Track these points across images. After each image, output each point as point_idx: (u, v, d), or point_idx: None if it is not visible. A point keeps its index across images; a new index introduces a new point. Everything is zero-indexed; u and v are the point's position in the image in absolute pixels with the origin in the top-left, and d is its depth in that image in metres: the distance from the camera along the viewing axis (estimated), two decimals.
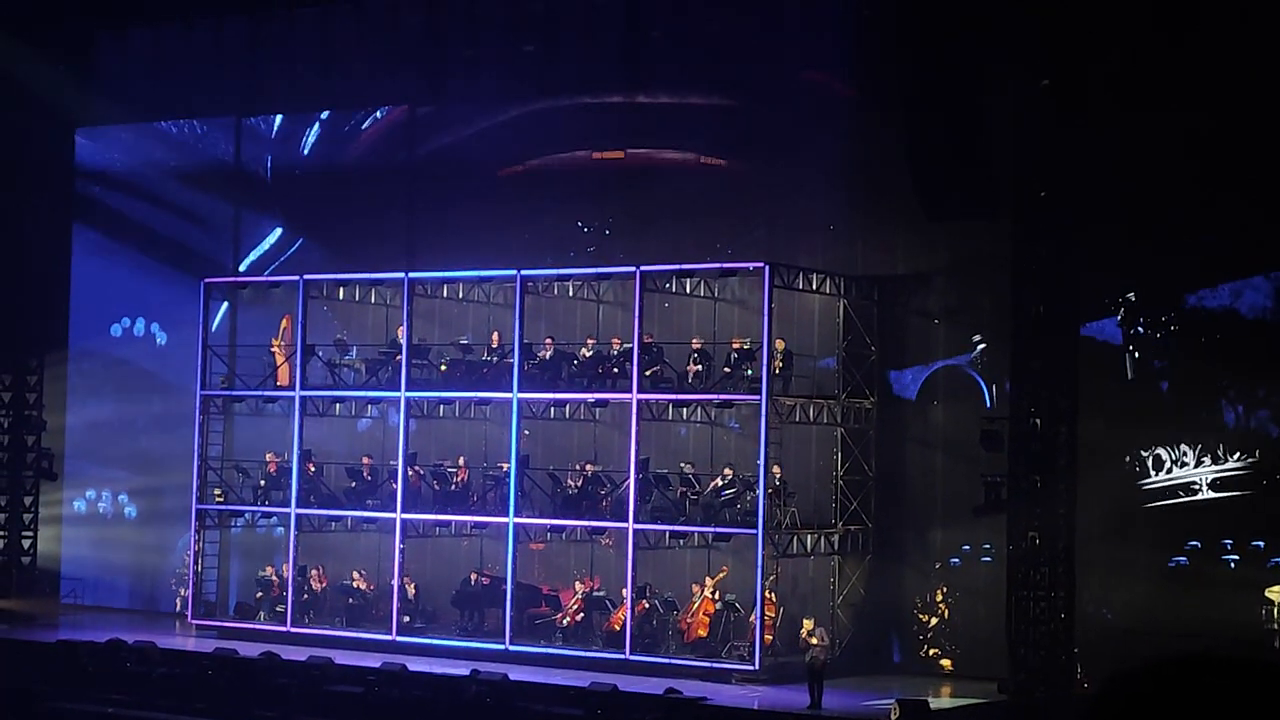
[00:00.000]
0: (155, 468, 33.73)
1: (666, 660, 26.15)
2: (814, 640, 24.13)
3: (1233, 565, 24.71)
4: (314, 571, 29.90)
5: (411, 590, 28.78)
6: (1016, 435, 23.34)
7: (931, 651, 27.34)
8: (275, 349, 30.51)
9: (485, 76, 31.32)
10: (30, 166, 32.90)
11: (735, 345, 26.60)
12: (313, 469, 30.01)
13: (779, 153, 29.08)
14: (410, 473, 28.83)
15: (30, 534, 32.98)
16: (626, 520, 26.74)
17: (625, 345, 27.24)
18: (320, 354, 29.92)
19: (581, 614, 27.54)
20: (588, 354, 27.84)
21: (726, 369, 26.51)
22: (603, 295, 29.06)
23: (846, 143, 28.26)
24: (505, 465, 28.12)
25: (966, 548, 26.97)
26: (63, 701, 26.68)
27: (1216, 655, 3.00)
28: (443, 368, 28.94)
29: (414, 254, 31.56)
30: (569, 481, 27.93)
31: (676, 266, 27.65)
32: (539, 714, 24.00)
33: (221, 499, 30.65)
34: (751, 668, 25.43)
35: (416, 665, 25.96)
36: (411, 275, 29.19)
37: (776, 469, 26.15)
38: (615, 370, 27.39)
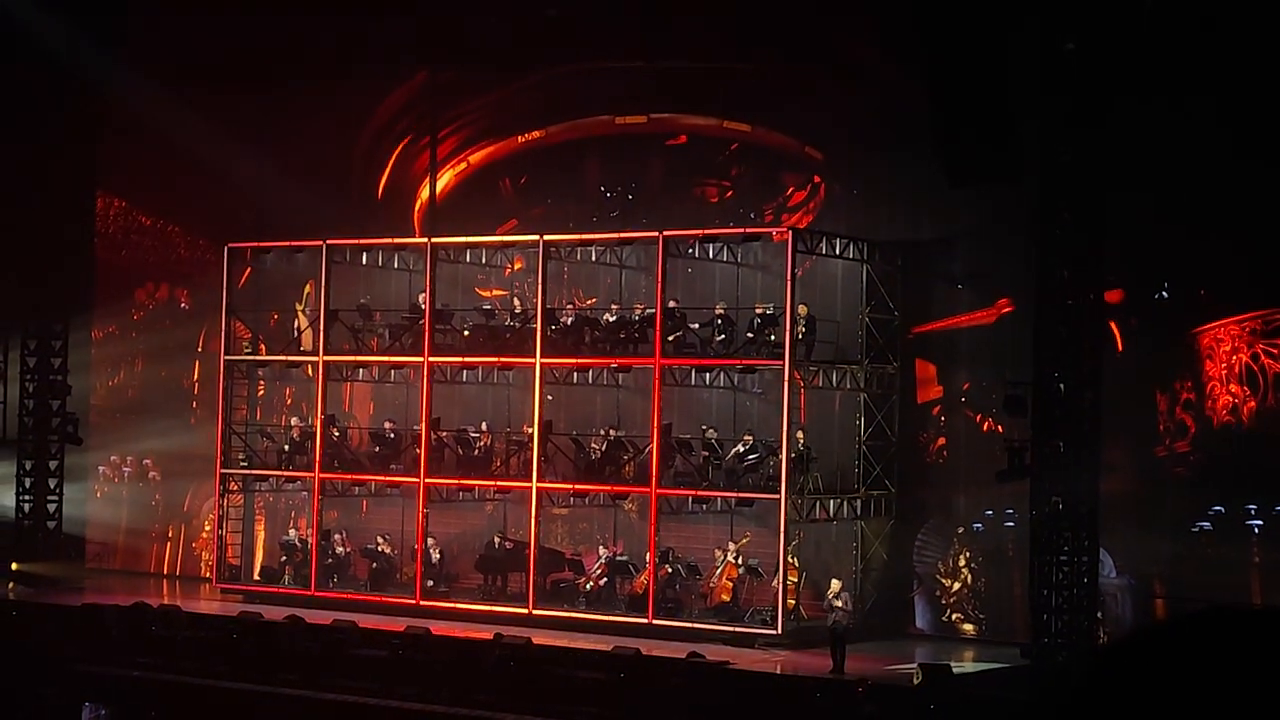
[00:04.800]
0: (180, 432, 33.83)
1: (689, 625, 26.20)
2: (838, 604, 24.12)
3: (1256, 530, 24.63)
4: (338, 536, 29.99)
5: (436, 554, 28.81)
6: (1040, 400, 23.25)
7: (954, 616, 27.33)
8: (299, 314, 30.56)
9: (506, 41, 31.22)
10: (54, 132, 32.88)
11: (758, 310, 26.54)
12: (337, 434, 30.06)
13: (802, 117, 28.97)
14: (433, 438, 28.86)
15: (55, 498, 33.05)
16: (649, 485, 26.77)
17: (648, 310, 27.21)
18: (343, 320, 29.92)
19: (604, 579, 27.59)
20: (610, 319, 27.82)
21: (750, 334, 26.46)
22: (625, 260, 29.03)
23: (870, 107, 28.12)
24: (528, 430, 28.14)
25: (990, 513, 26.93)
26: (88, 665, 26.81)
27: (1230, 608, 2.98)
28: (465, 333, 28.94)
29: (435, 219, 31.56)
30: (592, 446, 27.95)
31: (700, 231, 27.61)
32: (562, 678, 24.04)
33: (245, 463, 30.74)
34: (774, 632, 25.46)
35: (440, 629, 26.04)
36: (434, 240, 29.19)
37: (801, 434, 26.15)
38: (638, 335, 27.37)
